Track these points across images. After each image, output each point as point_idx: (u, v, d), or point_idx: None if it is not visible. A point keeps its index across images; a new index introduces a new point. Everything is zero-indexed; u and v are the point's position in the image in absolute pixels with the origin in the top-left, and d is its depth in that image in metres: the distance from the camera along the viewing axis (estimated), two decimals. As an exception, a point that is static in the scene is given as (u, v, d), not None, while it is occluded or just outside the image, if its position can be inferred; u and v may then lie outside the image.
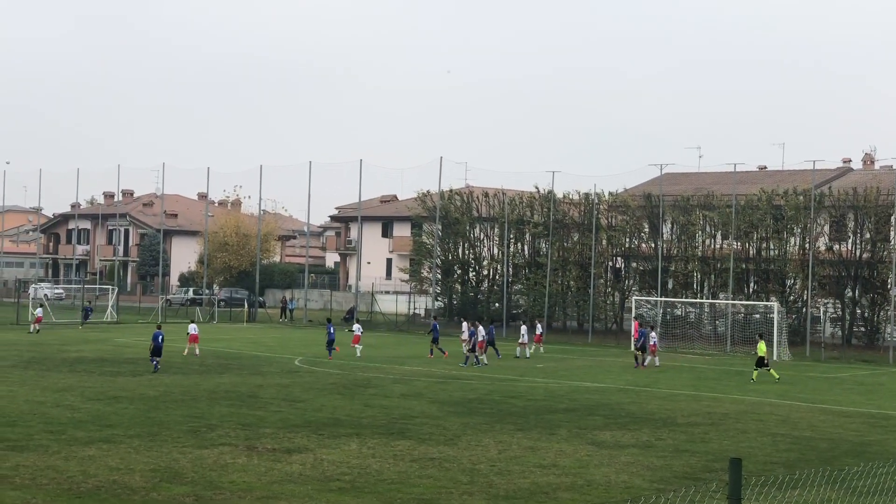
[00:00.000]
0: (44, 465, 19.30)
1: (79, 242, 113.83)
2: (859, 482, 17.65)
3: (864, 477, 17.80)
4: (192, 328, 45.74)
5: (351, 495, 17.51)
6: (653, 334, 45.52)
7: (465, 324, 47.19)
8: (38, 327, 57.24)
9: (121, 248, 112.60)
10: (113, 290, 76.14)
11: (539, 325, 52.61)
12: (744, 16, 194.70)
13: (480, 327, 44.06)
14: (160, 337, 37.85)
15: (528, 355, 47.88)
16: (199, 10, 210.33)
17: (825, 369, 46.54)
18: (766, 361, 39.35)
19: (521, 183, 73.90)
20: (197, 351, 44.12)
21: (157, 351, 37.55)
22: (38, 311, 59.56)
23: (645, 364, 44.01)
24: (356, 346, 45.46)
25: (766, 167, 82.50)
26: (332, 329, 44.94)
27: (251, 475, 18.79)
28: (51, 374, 35.18)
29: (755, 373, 39.16)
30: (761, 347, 39.62)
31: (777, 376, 38.83)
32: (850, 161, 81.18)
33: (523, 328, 49.44)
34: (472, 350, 42.98)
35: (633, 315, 55.81)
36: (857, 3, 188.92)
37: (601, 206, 67.88)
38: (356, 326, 47.33)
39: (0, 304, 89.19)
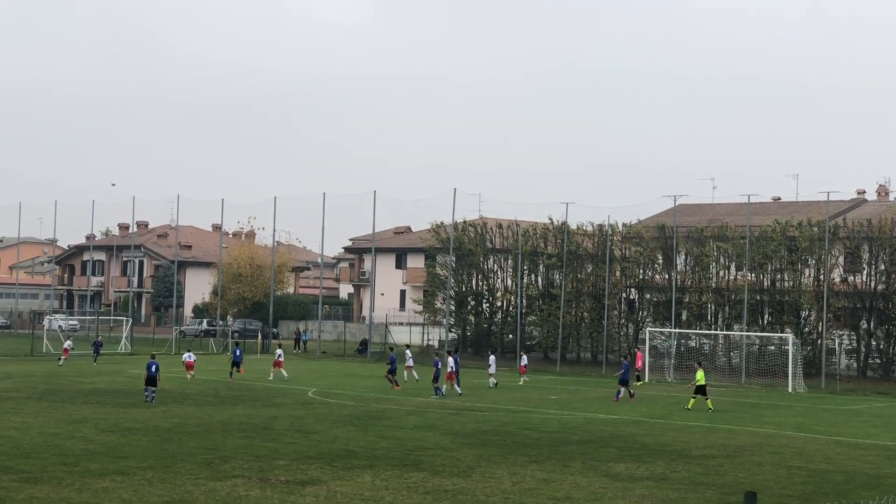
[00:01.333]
0: (57, 497, 19.30)
1: (93, 274, 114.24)
2: (876, 515, 17.55)
3: (880, 510, 17.69)
4: (188, 356, 48.61)
5: (364, 528, 17.46)
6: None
7: (407, 351, 50.20)
8: (64, 359, 56.80)
9: (135, 280, 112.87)
10: (127, 321, 76.37)
11: (524, 357, 53.92)
12: (758, 46, 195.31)
13: (450, 358, 44.21)
14: (153, 367, 37.30)
15: (494, 384, 47.79)
16: (214, 43, 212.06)
17: (841, 401, 46.32)
18: (705, 390, 39.35)
19: (534, 214, 74.33)
20: (188, 375, 47.12)
21: (150, 381, 37.12)
22: (68, 343, 59.04)
23: (620, 396, 43.02)
24: (280, 369, 49.71)
25: (780, 198, 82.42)
26: (238, 352, 49.42)
27: (264, 507, 18.75)
28: (65, 406, 35.24)
29: (692, 401, 39.32)
30: (700, 376, 39.69)
31: (711, 407, 38.74)
32: (865, 192, 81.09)
33: (492, 358, 49.75)
34: (436, 380, 43.44)
35: (647, 346, 55.63)
36: (873, 34, 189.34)
37: (615, 238, 67.88)
38: (278, 352, 51.49)
39: (15, 335, 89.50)
